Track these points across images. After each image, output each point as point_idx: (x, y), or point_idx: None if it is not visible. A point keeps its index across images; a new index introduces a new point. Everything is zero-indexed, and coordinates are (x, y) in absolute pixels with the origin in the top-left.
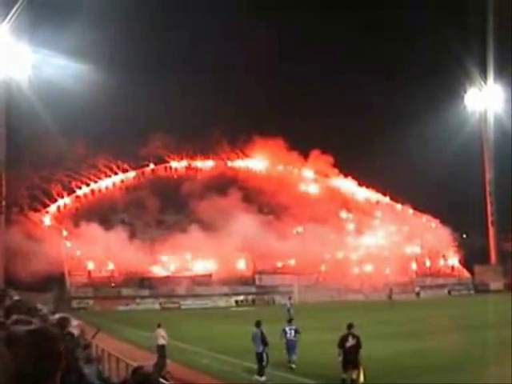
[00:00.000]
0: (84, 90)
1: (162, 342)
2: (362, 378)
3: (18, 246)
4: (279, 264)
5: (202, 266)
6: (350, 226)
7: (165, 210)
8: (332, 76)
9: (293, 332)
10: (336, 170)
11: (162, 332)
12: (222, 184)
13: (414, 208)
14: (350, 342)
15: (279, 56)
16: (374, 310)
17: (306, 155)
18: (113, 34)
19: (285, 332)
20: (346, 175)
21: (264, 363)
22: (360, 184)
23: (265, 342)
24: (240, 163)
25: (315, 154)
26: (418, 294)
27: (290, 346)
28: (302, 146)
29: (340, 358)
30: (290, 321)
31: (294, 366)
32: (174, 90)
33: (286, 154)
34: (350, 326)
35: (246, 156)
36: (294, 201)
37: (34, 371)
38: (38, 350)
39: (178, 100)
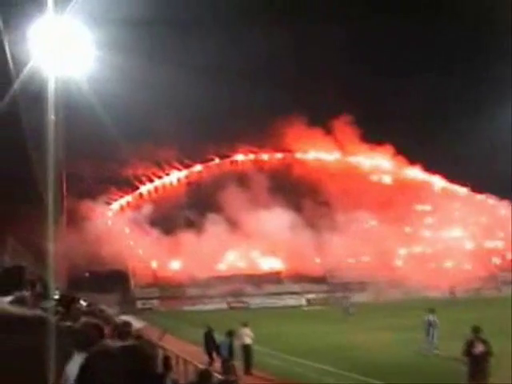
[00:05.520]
0: (148, 89)
1: (248, 341)
2: None
3: (80, 246)
4: (352, 260)
5: (271, 263)
6: (427, 219)
7: (230, 205)
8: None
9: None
10: (410, 161)
11: (247, 331)
12: (291, 177)
13: (495, 199)
14: (479, 348)
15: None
16: (455, 307)
17: (377, 145)
18: (181, 33)
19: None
20: (421, 166)
21: None
22: (436, 174)
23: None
24: (309, 155)
25: (388, 143)
26: (499, 289)
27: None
28: (373, 135)
29: (465, 369)
30: None
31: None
32: (239, 83)
33: (357, 144)
34: (476, 330)
35: (314, 147)
36: (367, 193)
37: None
38: (132, 367)
39: (242, 93)
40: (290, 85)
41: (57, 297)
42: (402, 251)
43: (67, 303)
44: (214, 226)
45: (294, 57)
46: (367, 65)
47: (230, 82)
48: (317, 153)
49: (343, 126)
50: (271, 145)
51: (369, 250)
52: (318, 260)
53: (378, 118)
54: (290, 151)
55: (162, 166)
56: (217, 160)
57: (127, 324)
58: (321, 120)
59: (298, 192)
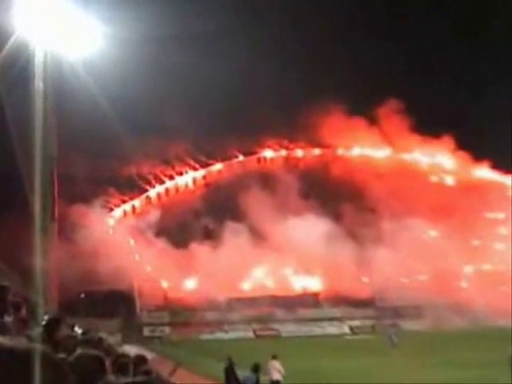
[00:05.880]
0: (158, 73)
1: (276, 376)
2: None
3: (75, 261)
4: (405, 279)
5: (306, 282)
6: (499, 229)
7: (256, 211)
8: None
9: None
10: (476, 157)
11: (276, 365)
12: (329, 177)
13: None
14: None
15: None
16: None
17: (434, 137)
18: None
19: None
20: (490, 163)
21: None
22: (510, 174)
23: None
24: (354, 151)
25: (446, 135)
26: None
27: None
28: (430, 127)
29: None
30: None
31: None
32: (267, 66)
33: (407, 137)
34: None
35: (356, 141)
36: (423, 196)
37: None
38: None
39: (271, 77)
40: (327, 68)
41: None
42: (468, 269)
43: (52, 328)
44: (237, 237)
45: (331, 35)
46: (419, 41)
47: (256, 65)
48: (362, 148)
49: (390, 115)
50: (304, 138)
51: (426, 266)
52: (363, 279)
53: (431, 105)
54: (329, 147)
55: (174, 165)
56: (240, 157)
57: (141, 358)
58: (363, 108)
59: (338, 195)
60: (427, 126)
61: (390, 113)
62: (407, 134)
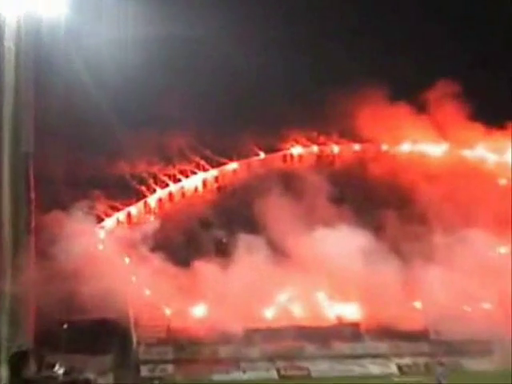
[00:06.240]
0: (160, 50)
1: None
2: None
3: (55, 282)
4: (467, 307)
5: (342, 309)
6: None
7: (281, 221)
8: None
9: None
10: None
11: None
12: (367, 179)
13: None
14: None
15: None
16: None
17: (498, 128)
18: None
19: None
20: None
21: None
22: None
23: None
24: (402, 147)
25: None
26: None
27: None
28: (495, 115)
29: None
30: None
31: None
32: (293, 46)
33: (471, 129)
34: None
35: (404, 135)
36: (488, 204)
37: None
38: None
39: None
40: (364, 48)
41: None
42: None
43: (17, 365)
44: (256, 253)
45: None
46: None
47: (277, 45)
48: (413, 144)
49: (443, 100)
50: (339, 132)
51: (492, 291)
52: (413, 305)
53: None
54: (370, 141)
55: (179, 164)
56: (262, 154)
57: None
58: (408, 93)
59: (380, 201)
60: (491, 113)
61: (443, 97)
62: (466, 124)
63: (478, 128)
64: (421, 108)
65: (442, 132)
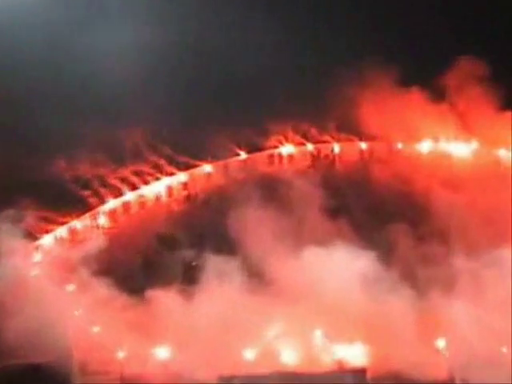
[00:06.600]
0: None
1: None
2: None
3: None
4: (501, 349)
5: (345, 351)
6: None
7: (265, 237)
8: None
9: None
10: None
11: None
12: (377, 185)
13: None
14: None
15: None
16: None
17: None
18: None
19: None
20: None
21: None
22: None
23: None
24: (422, 145)
25: None
26: None
27: None
28: None
29: None
30: None
31: None
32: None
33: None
34: None
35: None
36: None
37: None
38: None
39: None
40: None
41: None
42: None
43: None
44: (231, 279)
45: None
46: None
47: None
48: (434, 142)
49: (464, 86)
50: (339, 127)
51: None
52: (434, 347)
53: None
54: (380, 138)
55: (135, 165)
56: (243, 154)
57: None
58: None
59: (388, 213)
60: None
61: (466, 81)
62: (499, 116)
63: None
64: (439, 95)
65: (468, 126)
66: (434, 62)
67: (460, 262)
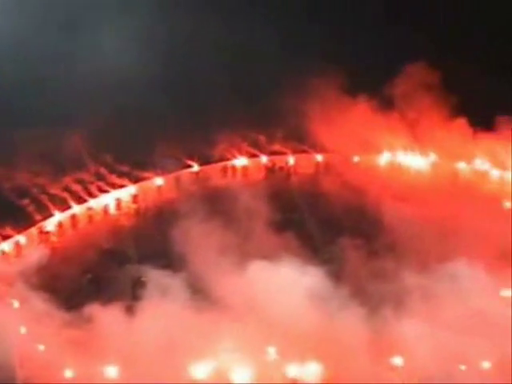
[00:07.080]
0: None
1: None
2: None
3: None
4: (460, 366)
5: (299, 370)
6: None
7: (211, 253)
8: None
9: None
10: None
11: None
12: (328, 198)
13: None
14: None
15: None
16: None
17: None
18: None
19: None
20: None
21: None
22: None
23: None
24: (381, 157)
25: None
26: None
27: None
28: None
29: None
30: None
31: None
32: None
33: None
34: None
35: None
36: (489, 233)
37: None
38: None
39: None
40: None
41: None
42: None
43: None
44: (177, 295)
45: None
46: None
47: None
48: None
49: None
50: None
51: (492, 346)
52: (391, 364)
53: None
54: (336, 151)
55: (84, 178)
56: (195, 166)
57: None
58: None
59: (340, 226)
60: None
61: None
62: (456, 124)
63: (478, 134)
64: (389, 105)
65: (420, 136)
66: (382, 70)
67: (413, 278)
